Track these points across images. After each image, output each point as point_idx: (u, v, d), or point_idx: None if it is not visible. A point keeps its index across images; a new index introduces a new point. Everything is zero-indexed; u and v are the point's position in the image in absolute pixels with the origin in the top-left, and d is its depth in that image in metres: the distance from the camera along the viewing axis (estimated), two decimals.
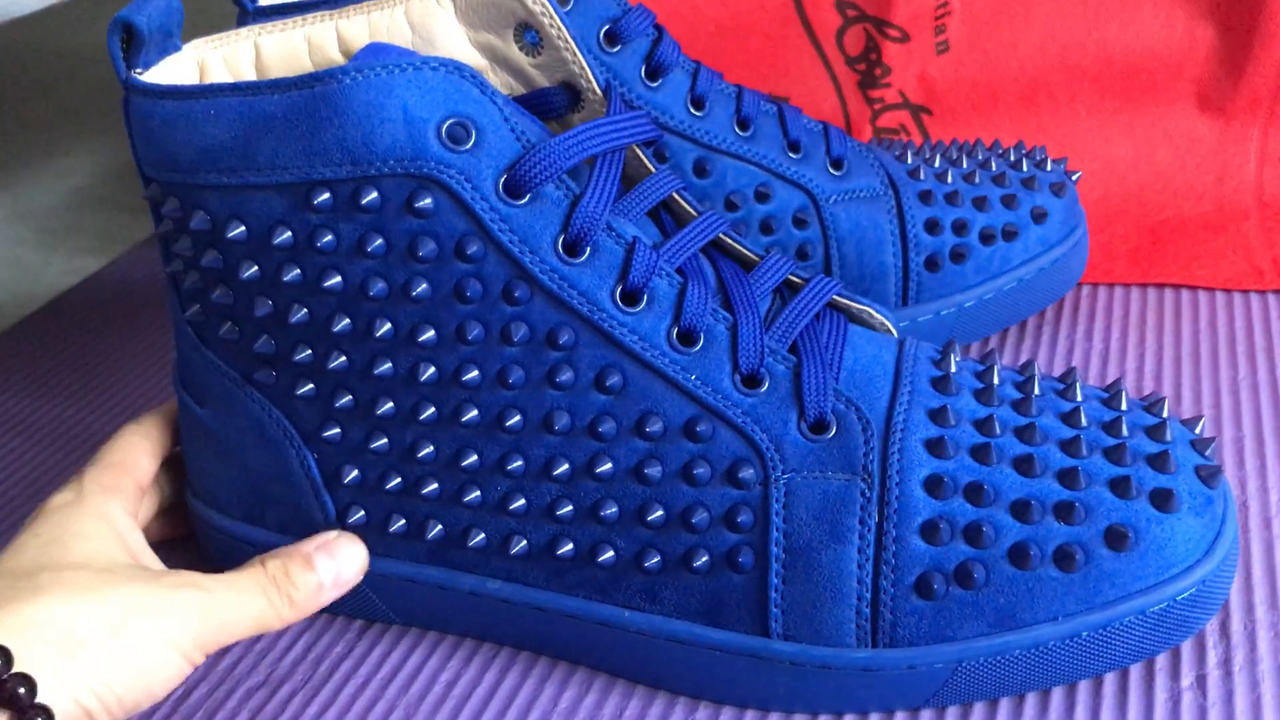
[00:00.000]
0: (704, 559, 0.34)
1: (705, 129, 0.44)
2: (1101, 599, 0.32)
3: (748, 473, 0.34)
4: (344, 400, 0.36)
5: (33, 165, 0.89)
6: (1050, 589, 0.32)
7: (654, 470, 0.34)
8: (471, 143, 0.33)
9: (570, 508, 0.35)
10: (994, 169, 0.50)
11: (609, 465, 0.34)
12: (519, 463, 0.35)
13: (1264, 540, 0.39)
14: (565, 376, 0.34)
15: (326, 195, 0.33)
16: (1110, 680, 0.35)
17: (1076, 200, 0.51)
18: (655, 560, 0.35)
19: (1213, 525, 0.33)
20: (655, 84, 0.44)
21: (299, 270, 0.34)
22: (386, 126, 0.32)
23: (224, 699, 0.38)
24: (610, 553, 0.35)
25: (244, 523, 0.40)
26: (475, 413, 0.35)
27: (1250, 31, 0.58)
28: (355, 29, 0.38)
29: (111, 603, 0.32)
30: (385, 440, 0.36)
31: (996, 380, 0.36)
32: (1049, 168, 0.51)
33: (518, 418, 0.35)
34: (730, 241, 0.38)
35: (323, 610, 0.40)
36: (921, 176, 0.48)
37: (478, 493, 0.36)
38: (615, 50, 0.42)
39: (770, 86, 0.65)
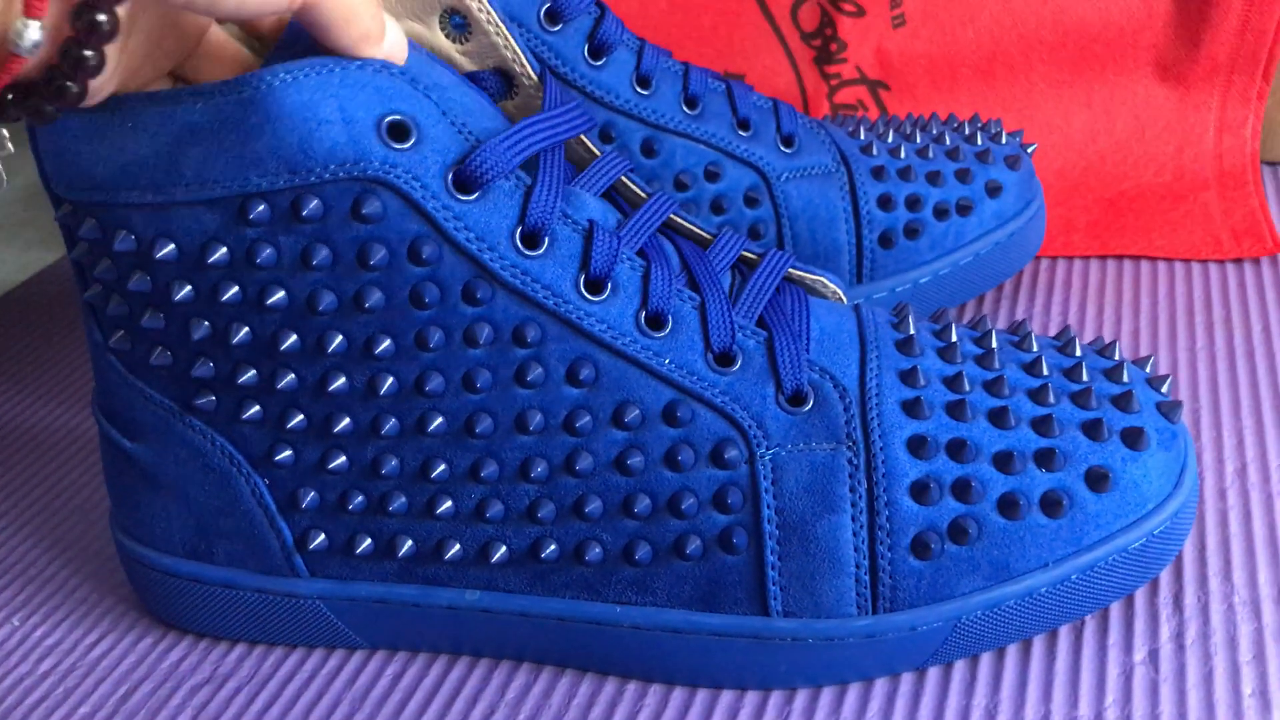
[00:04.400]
0: (696, 544, 0.33)
1: (652, 108, 0.43)
2: (1087, 541, 0.33)
3: (732, 452, 0.33)
4: (296, 420, 0.34)
5: None
6: (1039, 536, 0.33)
7: (636, 460, 0.33)
8: (413, 140, 0.31)
9: (551, 508, 0.34)
10: (948, 143, 0.49)
11: (589, 460, 0.33)
12: (493, 468, 0.34)
13: (1219, 512, 0.39)
14: (535, 374, 0.33)
15: (263, 207, 0.31)
16: (1063, 655, 0.34)
17: (1032, 173, 0.50)
18: (645, 551, 0.34)
19: (1179, 458, 0.34)
20: (599, 63, 0.42)
21: (238, 288, 0.32)
22: (324, 129, 0.31)
23: (167, 697, 0.37)
24: (597, 549, 0.34)
25: (189, 560, 0.37)
26: (441, 421, 0.33)
27: None
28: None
29: None
30: (344, 459, 0.34)
31: (955, 338, 0.36)
32: (1004, 141, 0.50)
33: (488, 422, 0.33)
34: (681, 221, 0.37)
35: (282, 643, 0.38)
36: (874, 152, 0.47)
37: (450, 503, 0.34)
38: (556, 29, 0.40)
39: (725, 64, 0.63)
